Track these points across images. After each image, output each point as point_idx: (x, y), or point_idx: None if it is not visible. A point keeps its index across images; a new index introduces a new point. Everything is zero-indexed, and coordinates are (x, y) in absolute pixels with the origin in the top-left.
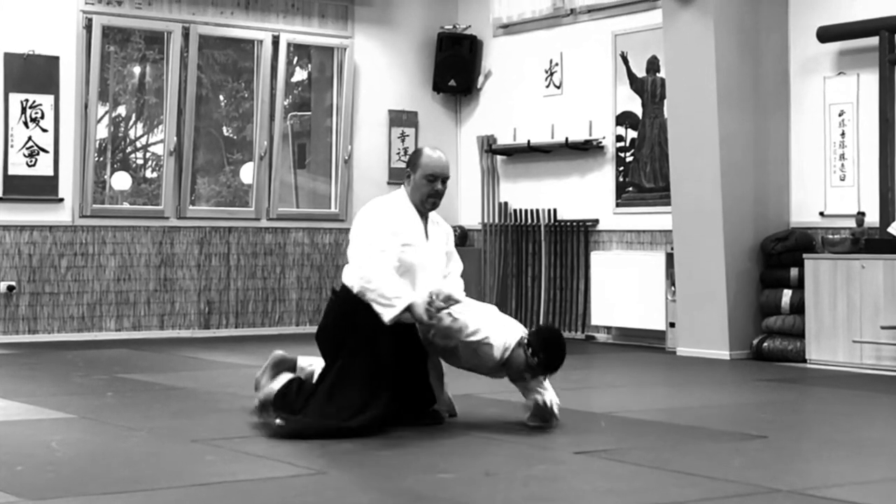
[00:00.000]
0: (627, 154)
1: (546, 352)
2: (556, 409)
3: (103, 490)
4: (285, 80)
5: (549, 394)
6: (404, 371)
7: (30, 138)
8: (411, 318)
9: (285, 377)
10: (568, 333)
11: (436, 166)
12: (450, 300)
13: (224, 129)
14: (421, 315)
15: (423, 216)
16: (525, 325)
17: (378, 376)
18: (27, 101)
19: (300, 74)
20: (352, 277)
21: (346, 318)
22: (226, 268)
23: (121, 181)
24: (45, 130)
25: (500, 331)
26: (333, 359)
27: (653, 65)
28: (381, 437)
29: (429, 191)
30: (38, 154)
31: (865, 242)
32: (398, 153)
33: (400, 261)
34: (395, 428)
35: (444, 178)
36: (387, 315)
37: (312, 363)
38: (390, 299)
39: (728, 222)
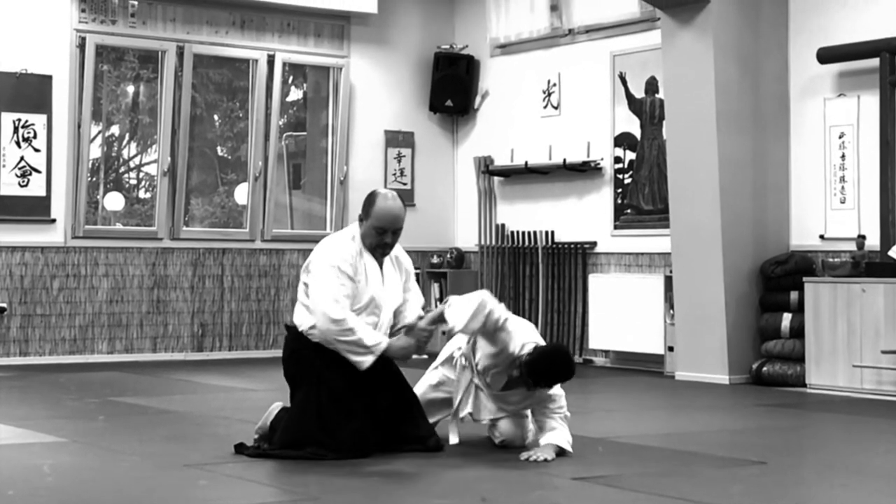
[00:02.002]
0: (626, 176)
1: (541, 353)
2: (568, 448)
3: None
4: (280, 99)
5: (560, 436)
6: (371, 399)
7: (22, 158)
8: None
9: (276, 406)
10: None
11: (385, 218)
12: (433, 320)
13: (218, 149)
14: (397, 354)
15: (379, 258)
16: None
17: (334, 404)
18: (19, 120)
19: (295, 94)
20: (309, 320)
21: (295, 353)
22: (219, 290)
23: (114, 202)
24: (37, 150)
25: (526, 331)
26: (293, 392)
27: (651, 85)
28: (374, 462)
29: (378, 241)
30: (30, 174)
31: (866, 266)
32: (394, 174)
33: (359, 301)
34: (389, 453)
35: (394, 231)
36: (365, 363)
37: None
38: (370, 347)
39: (727, 245)
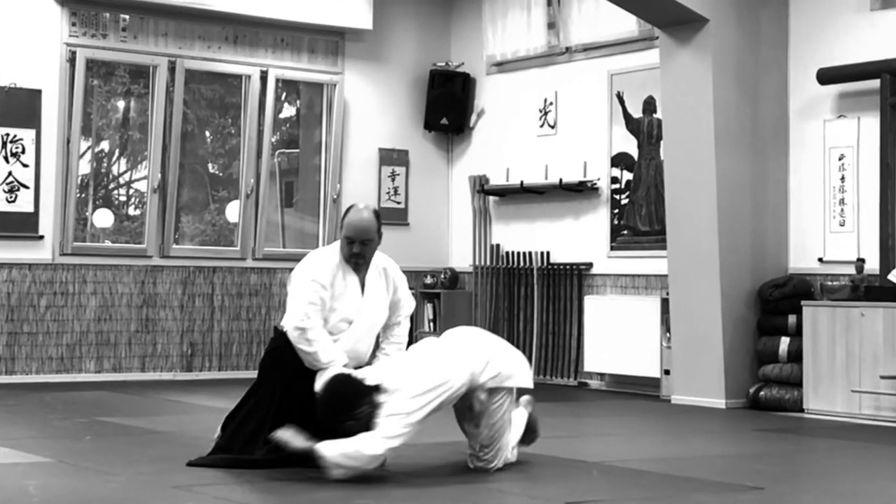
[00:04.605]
0: (623, 196)
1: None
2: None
3: None
4: (273, 116)
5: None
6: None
7: (10, 173)
8: None
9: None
10: (560, 380)
11: (351, 228)
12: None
13: (210, 165)
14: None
15: (359, 270)
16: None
17: (289, 411)
18: (8, 135)
19: (288, 111)
20: (288, 327)
21: (271, 353)
22: (210, 308)
23: (103, 218)
24: (25, 165)
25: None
26: (254, 390)
27: (649, 105)
28: (364, 484)
29: (348, 252)
30: (18, 190)
31: (865, 290)
32: (388, 192)
33: (333, 313)
34: (378, 475)
35: (362, 241)
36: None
37: None
38: (324, 363)
39: (725, 268)
